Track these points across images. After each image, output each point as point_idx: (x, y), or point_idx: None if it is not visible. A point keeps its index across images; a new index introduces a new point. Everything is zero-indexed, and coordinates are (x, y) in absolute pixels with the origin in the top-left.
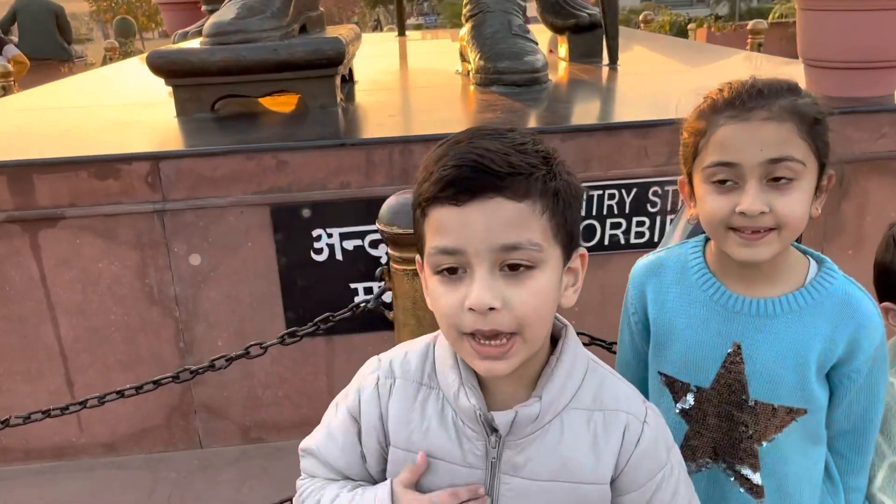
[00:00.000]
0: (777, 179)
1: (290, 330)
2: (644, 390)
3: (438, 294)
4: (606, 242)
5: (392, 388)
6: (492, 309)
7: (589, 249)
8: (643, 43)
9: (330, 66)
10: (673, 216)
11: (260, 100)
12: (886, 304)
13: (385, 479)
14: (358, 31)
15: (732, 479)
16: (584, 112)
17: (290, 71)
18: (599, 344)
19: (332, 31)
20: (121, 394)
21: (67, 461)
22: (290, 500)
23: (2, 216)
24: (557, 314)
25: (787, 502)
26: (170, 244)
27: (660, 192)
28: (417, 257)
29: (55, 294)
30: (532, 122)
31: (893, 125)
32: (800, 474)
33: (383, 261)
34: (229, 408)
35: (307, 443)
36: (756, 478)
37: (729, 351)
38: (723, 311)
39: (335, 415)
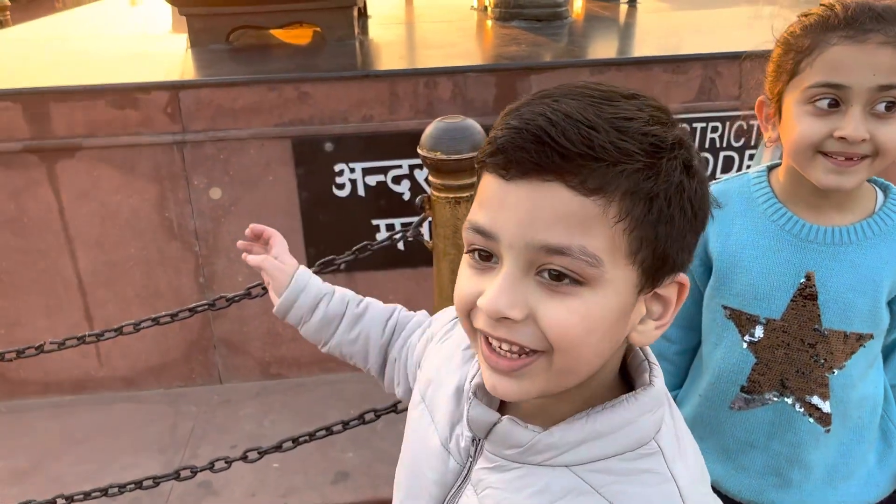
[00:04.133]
0: (885, 107)
1: (326, 259)
2: (694, 332)
3: (460, 274)
4: None
5: (455, 327)
6: (506, 318)
7: None
8: None
9: None
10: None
11: (274, 32)
12: None
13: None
14: None
15: (801, 410)
16: (609, 47)
17: (307, 1)
18: None
19: None
20: (156, 321)
21: (87, 395)
22: (313, 433)
23: (18, 146)
24: (650, 355)
25: (849, 427)
26: (189, 177)
27: (688, 129)
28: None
29: (73, 227)
30: (558, 56)
31: None
32: (862, 399)
33: (406, 197)
34: (249, 343)
35: None
36: (826, 406)
37: (801, 280)
38: (794, 240)
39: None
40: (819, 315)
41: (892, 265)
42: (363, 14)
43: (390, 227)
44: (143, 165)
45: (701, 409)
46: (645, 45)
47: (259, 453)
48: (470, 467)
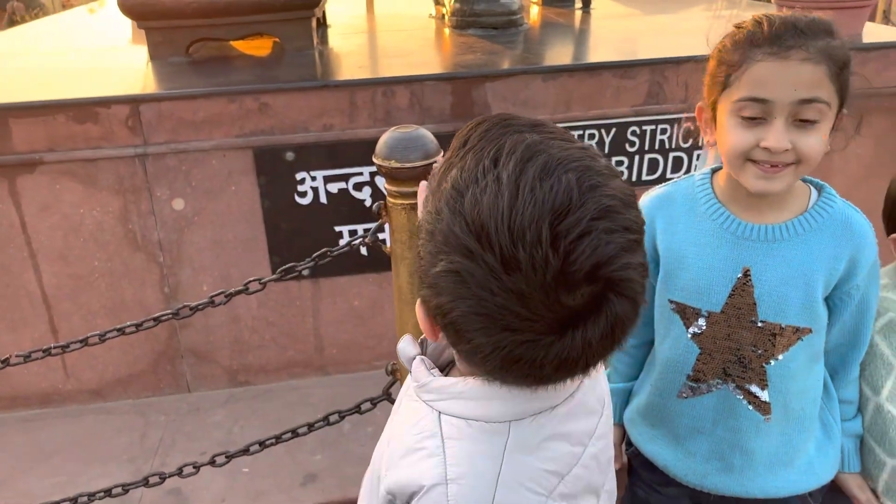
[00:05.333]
0: (804, 119)
1: (287, 266)
2: (649, 326)
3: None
4: None
5: None
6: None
7: None
8: None
9: (306, 7)
10: (651, 155)
11: (234, 43)
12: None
13: None
14: None
15: (741, 397)
16: (563, 53)
17: (266, 13)
18: None
19: None
20: (121, 331)
21: (54, 408)
22: (279, 436)
23: None
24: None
25: (790, 417)
26: (152, 189)
27: (638, 131)
28: None
29: (36, 241)
30: (513, 63)
31: (862, 64)
32: (803, 391)
33: (367, 203)
34: (216, 352)
35: None
36: (764, 395)
37: (738, 275)
38: (732, 238)
39: None
40: (755, 308)
41: (822, 259)
42: (322, 24)
43: (353, 234)
44: (105, 178)
45: (652, 397)
46: (597, 50)
47: (227, 457)
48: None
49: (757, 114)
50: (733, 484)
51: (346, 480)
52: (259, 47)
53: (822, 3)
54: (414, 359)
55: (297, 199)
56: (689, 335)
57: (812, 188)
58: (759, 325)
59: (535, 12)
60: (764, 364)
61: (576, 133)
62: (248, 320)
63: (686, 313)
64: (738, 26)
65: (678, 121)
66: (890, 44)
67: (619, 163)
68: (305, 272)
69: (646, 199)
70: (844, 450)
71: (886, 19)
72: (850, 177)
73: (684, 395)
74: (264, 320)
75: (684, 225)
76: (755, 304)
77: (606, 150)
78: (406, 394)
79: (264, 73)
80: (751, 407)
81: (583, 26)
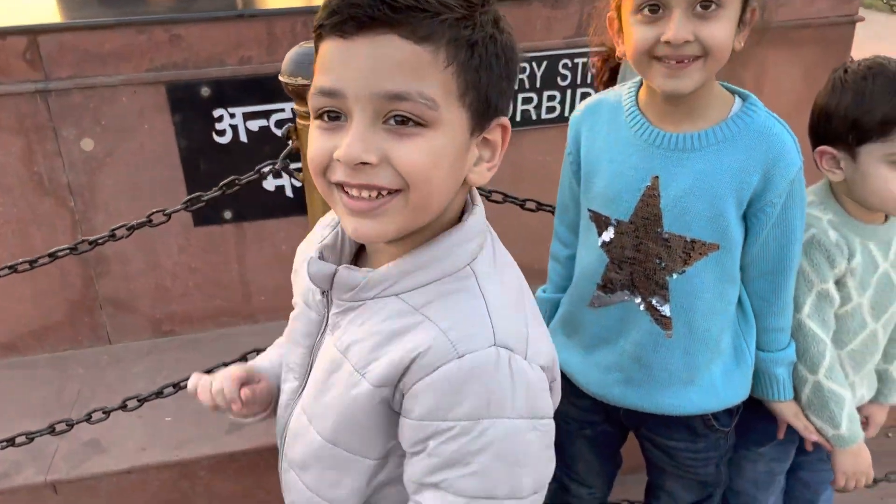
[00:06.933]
0: (704, 7)
1: (193, 195)
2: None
3: (311, 139)
4: (518, 118)
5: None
6: (365, 164)
7: (550, 121)
8: None
9: None
10: (584, 89)
11: None
12: (822, 147)
13: None
14: None
15: (644, 310)
16: None
17: None
18: (546, 209)
19: None
20: (13, 268)
21: None
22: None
23: None
24: (477, 193)
25: (694, 336)
26: (57, 128)
27: (570, 64)
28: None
29: None
30: None
31: None
32: (710, 312)
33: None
34: (137, 301)
35: None
36: (665, 309)
37: (647, 184)
38: (644, 146)
39: None
40: (661, 219)
41: (732, 172)
42: None
43: (277, 175)
44: (3, 117)
45: (568, 306)
46: None
47: (139, 401)
48: (327, 316)
49: (656, 5)
50: (634, 397)
51: (272, 426)
52: None
53: None
54: (336, 272)
55: (216, 137)
56: (600, 243)
57: (737, 98)
58: (665, 236)
59: None
60: (666, 277)
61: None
62: (168, 266)
63: (599, 222)
64: None
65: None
66: None
67: (552, 97)
68: (227, 215)
69: (577, 108)
70: (778, 378)
71: None
72: (781, 110)
73: (595, 304)
74: (187, 266)
75: (604, 133)
76: (661, 214)
77: (538, 84)
78: (335, 312)
79: (177, 4)
80: (652, 321)
81: None
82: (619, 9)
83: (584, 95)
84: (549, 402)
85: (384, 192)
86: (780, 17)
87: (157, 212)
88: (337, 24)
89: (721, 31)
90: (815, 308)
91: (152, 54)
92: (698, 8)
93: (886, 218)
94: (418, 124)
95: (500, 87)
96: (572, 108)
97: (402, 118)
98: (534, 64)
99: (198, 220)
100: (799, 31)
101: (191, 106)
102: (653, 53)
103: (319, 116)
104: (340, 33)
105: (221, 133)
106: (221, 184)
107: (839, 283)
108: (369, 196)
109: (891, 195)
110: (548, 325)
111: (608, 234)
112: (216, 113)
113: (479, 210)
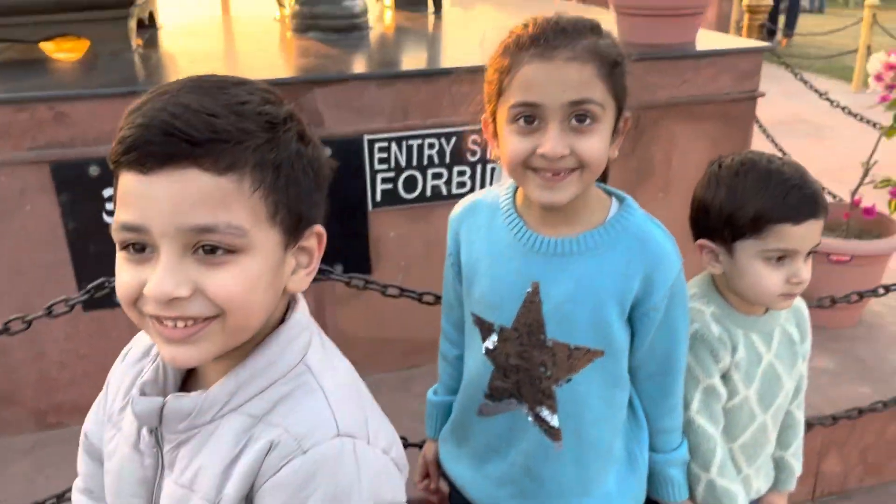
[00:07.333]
0: (579, 121)
1: (98, 282)
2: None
3: (118, 270)
4: (429, 193)
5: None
6: (176, 298)
7: (411, 201)
8: None
9: (119, 6)
10: (494, 164)
11: (43, 46)
12: (702, 241)
13: None
14: None
15: (532, 420)
16: (404, 58)
17: (73, 12)
18: (409, 295)
19: None
20: None
21: None
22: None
23: None
24: (297, 295)
25: (584, 445)
26: None
27: (479, 140)
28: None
29: None
30: (348, 69)
31: (695, 70)
32: (599, 419)
33: None
34: (19, 392)
35: None
36: (554, 420)
37: (528, 290)
38: (524, 250)
39: None
40: (543, 325)
41: (613, 276)
42: (150, 25)
43: None
44: None
45: (458, 414)
46: (437, 56)
47: None
48: (162, 456)
49: (531, 117)
50: None
51: None
52: (73, 49)
53: (656, 9)
54: (164, 405)
55: (107, 218)
56: (484, 350)
57: (614, 199)
58: (549, 344)
59: (387, 16)
60: (552, 386)
61: (414, 142)
62: (54, 355)
63: (483, 327)
64: (510, 32)
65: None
66: (720, 51)
67: (462, 172)
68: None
69: (455, 208)
70: (673, 479)
71: (739, 30)
72: (689, 182)
73: (483, 412)
74: (75, 354)
75: (484, 235)
76: (543, 321)
77: (447, 160)
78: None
79: (65, 80)
80: (541, 431)
81: (431, 31)
82: (493, 113)
83: (494, 171)
84: (396, 487)
85: (200, 320)
86: (684, 94)
87: (58, 302)
88: (134, 160)
89: (596, 144)
90: (703, 404)
91: (34, 133)
92: (573, 121)
93: (767, 308)
94: (229, 251)
95: (310, 200)
96: (483, 183)
97: (211, 247)
98: (443, 140)
99: (87, 304)
100: (702, 106)
101: (79, 186)
102: (528, 164)
103: (125, 248)
104: (139, 169)
105: (112, 213)
106: (90, 286)
107: (725, 378)
108: (185, 325)
109: (766, 290)
110: (438, 431)
111: (491, 341)
112: (106, 192)
113: (302, 304)
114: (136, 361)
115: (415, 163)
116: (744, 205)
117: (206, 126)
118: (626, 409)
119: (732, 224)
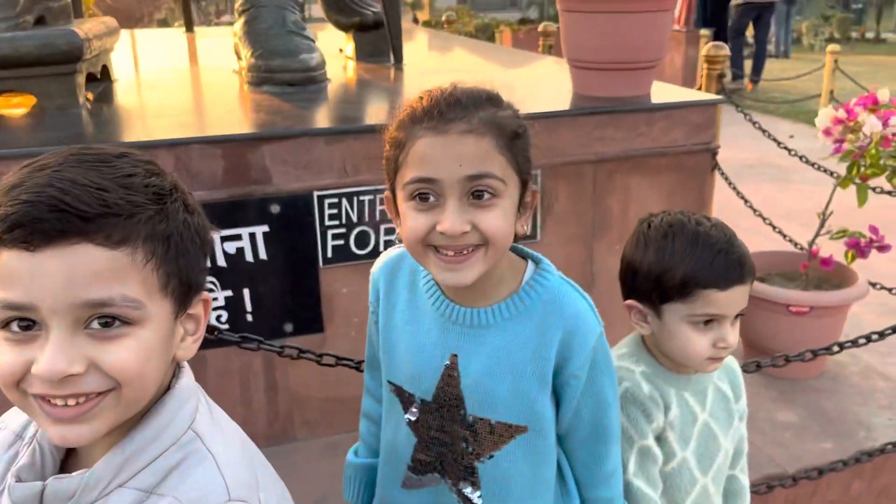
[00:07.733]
0: (477, 197)
1: None
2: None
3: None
4: (382, 249)
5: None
6: (71, 375)
7: (365, 256)
8: (439, 43)
9: (66, 62)
10: None
11: None
12: (630, 301)
13: None
14: (113, 25)
15: (455, 497)
16: (356, 113)
17: (17, 68)
18: (346, 364)
19: (77, 25)
20: None
21: None
22: None
23: None
24: (181, 362)
25: None
26: None
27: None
28: None
29: None
30: (297, 124)
31: (649, 124)
32: (526, 496)
33: None
34: None
35: None
36: (476, 497)
37: (447, 363)
38: (443, 321)
39: None
40: (463, 401)
41: (532, 347)
42: (103, 79)
43: None
44: None
45: (381, 489)
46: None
47: None
48: None
49: (428, 194)
50: None
51: None
52: (20, 105)
53: (609, 63)
54: (44, 488)
55: None
56: (406, 422)
57: (529, 262)
58: (469, 420)
59: (348, 68)
60: (475, 462)
61: (366, 198)
62: None
63: (403, 398)
64: (404, 105)
65: None
66: (674, 104)
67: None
68: None
69: (377, 262)
70: None
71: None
72: None
73: (407, 485)
74: None
75: (404, 301)
76: (462, 396)
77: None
78: None
79: (4, 137)
80: None
81: (390, 84)
82: (393, 189)
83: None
84: None
85: (93, 395)
86: (639, 146)
87: None
88: (19, 237)
89: (498, 219)
90: (640, 466)
91: None
92: (471, 198)
93: None
94: (125, 323)
95: (198, 267)
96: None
97: (106, 321)
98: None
99: None
100: (657, 159)
101: None
102: (428, 242)
103: (5, 326)
104: (24, 246)
105: None
106: None
107: (660, 439)
108: (76, 402)
109: (693, 354)
110: (358, 497)
111: (413, 413)
112: None
113: (186, 370)
114: (8, 446)
115: (367, 218)
116: (671, 268)
117: (96, 201)
118: (554, 483)
119: (660, 287)
